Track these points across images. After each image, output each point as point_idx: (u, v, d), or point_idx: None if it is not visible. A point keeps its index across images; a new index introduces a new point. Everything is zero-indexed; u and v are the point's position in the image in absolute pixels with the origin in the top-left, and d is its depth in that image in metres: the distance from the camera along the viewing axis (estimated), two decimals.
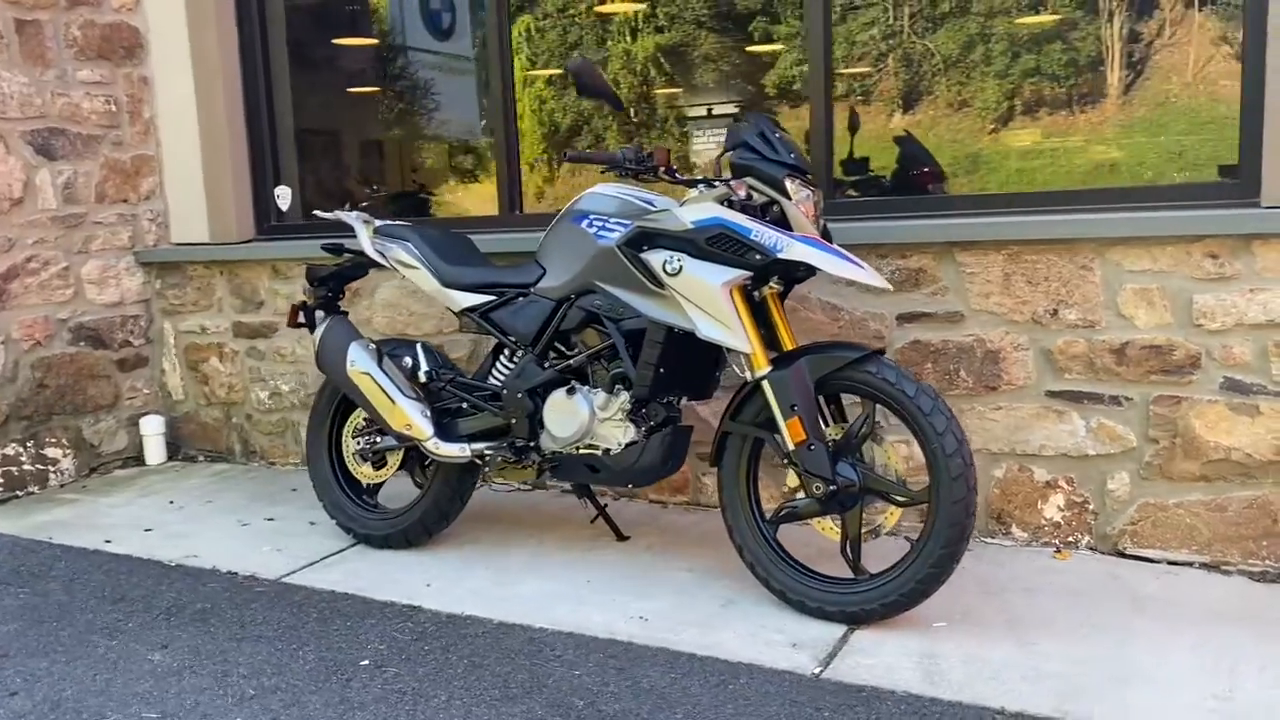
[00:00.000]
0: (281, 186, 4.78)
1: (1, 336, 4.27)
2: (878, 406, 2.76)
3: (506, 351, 3.29)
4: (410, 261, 3.32)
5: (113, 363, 4.71)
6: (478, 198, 4.68)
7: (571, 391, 3.06)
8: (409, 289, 4.21)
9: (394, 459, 3.50)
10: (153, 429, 4.79)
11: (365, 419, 3.51)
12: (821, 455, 2.71)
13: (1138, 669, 2.49)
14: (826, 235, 2.84)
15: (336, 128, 5.11)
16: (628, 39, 4.37)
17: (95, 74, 4.57)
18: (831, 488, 2.71)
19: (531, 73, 4.53)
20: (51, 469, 4.48)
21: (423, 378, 3.33)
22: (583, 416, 3.02)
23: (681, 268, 2.80)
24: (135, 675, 2.67)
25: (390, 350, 3.41)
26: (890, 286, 2.89)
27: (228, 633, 2.90)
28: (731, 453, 2.94)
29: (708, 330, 2.80)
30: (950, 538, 2.61)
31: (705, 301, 2.79)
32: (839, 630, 2.74)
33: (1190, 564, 3.10)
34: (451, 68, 4.91)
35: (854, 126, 3.87)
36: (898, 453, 2.93)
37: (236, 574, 3.35)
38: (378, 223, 3.48)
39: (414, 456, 3.47)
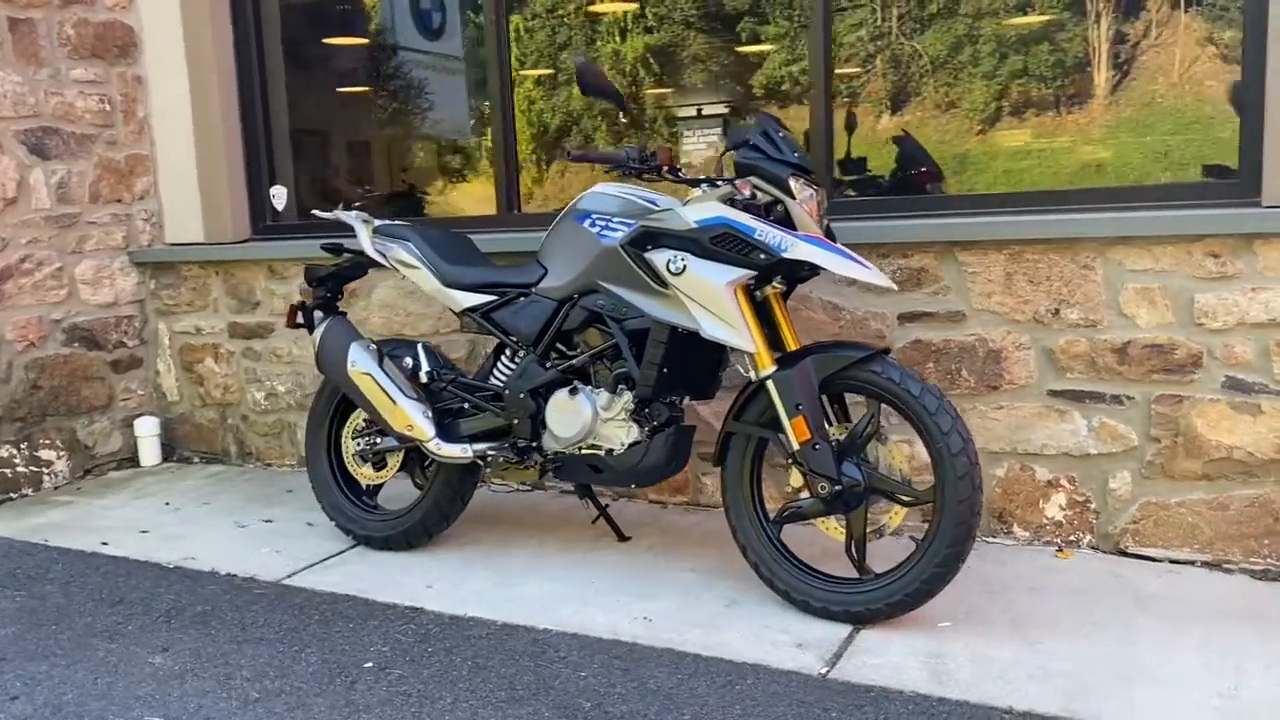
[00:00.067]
0: (277, 186, 4.75)
1: None
2: (882, 406, 2.76)
3: (508, 352, 3.28)
4: (411, 261, 3.31)
5: (107, 364, 4.68)
6: (473, 197, 4.67)
7: (574, 392, 3.05)
8: (406, 289, 4.19)
9: (394, 460, 3.48)
10: (147, 430, 4.76)
11: (365, 420, 3.49)
12: (827, 455, 2.70)
13: (1143, 668, 2.49)
14: (830, 235, 2.84)
15: (333, 127, 5.09)
16: (617, 39, 4.36)
17: (89, 73, 4.54)
18: (837, 487, 2.70)
19: (521, 73, 4.52)
20: (45, 471, 4.44)
21: (424, 378, 3.31)
22: (586, 417, 3.01)
23: (685, 267, 2.80)
24: (137, 678, 2.64)
25: (391, 351, 3.39)
26: (894, 286, 2.89)
27: (229, 635, 2.88)
28: (735, 453, 2.93)
29: (712, 330, 2.79)
30: (956, 537, 2.61)
31: (709, 301, 2.78)
32: (844, 630, 2.73)
33: (1192, 562, 3.11)
34: (444, 68, 4.89)
35: (850, 126, 3.87)
36: (901, 452, 2.93)
37: (236, 576, 3.33)
38: (377, 222, 3.46)
39: (414, 457, 3.46)
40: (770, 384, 2.77)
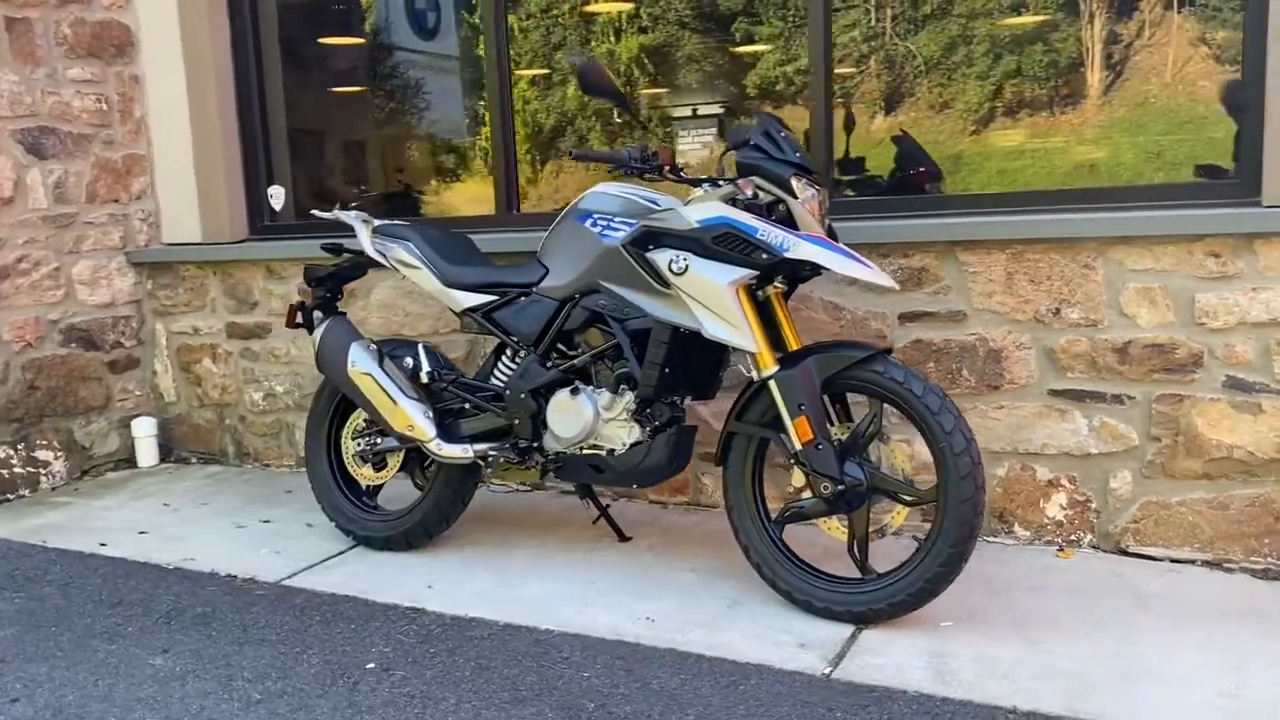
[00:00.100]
0: (275, 186, 4.74)
1: None
2: (884, 406, 2.76)
3: (509, 352, 3.27)
4: (411, 261, 3.30)
5: (104, 364, 4.66)
6: (469, 197, 4.66)
7: (576, 392, 3.04)
8: (405, 289, 4.18)
9: (394, 460, 3.48)
10: (144, 431, 4.74)
11: (365, 420, 3.48)
12: (829, 455, 2.70)
13: (1146, 667, 2.49)
14: (832, 234, 2.84)
15: (331, 127, 5.07)
16: (612, 39, 4.36)
17: (86, 72, 4.52)
18: (840, 487, 2.70)
19: (516, 73, 4.51)
20: (42, 471, 4.43)
21: (424, 378, 3.31)
22: (587, 417, 3.01)
23: (688, 267, 2.79)
24: (138, 680, 2.63)
25: (391, 351, 3.38)
26: (897, 285, 2.89)
27: (230, 636, 2.87)
28: (737, 453, 2.93)
29: (714, 330, 2.79)
30: (959, 536, 2.61)
31: (712, 301, 2.78)
32: (847, 630, 2.73)
33: (1193, 562, 3.11)
34: (440, 67, 4.89)
35: (849, 127, 3.87)
36: (903, 452, 2.93)
37: (236, 577, 3.32)
38: (377, 222, 3.45)
39: (414, 458, 3.45)
40: (772, 384, 2.77)
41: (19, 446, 4.34)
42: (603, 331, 3.07)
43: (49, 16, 4.39)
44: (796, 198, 2.73)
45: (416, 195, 4.87)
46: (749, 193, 2.78)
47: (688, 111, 4.33)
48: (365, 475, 3.55)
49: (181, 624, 2.97)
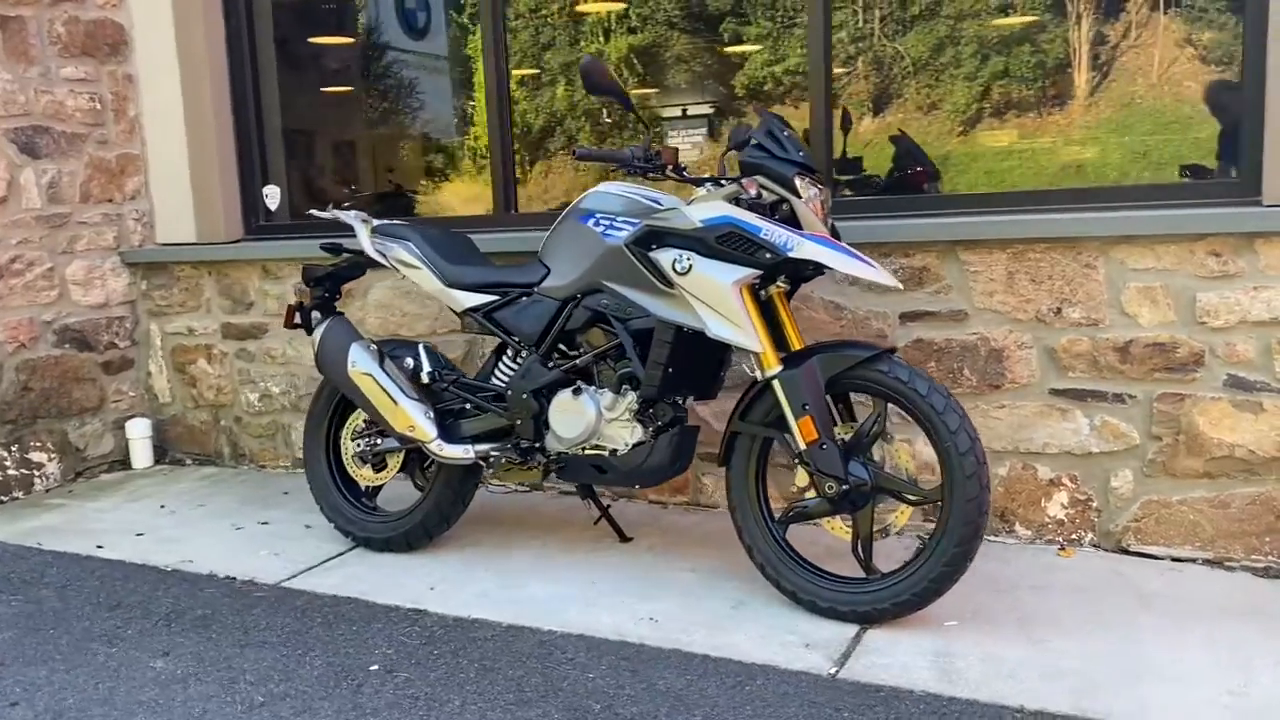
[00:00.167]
0: (270, 186, 4.71)
1: None
2: (888, 405, 2.75)
3: (510, 352, 3.26)
4: (412, 261, 3.28)
5: (98, 365, 4.63)
6: (466, 197, 4.65)
7: (578, 392, 3.03)
8: (402, 289, 4.16)
9: (394, 461, 3.46)
10: (139, 432, 4.71)
11: (365, 421, 3.46)
12: (834, 455, 2.70)
13: (1151, 665, 2.50)
14: (835, 234, 2.83)
15: (327, 127, 5.05)
16: (601, 40, 4.36)
17: (79, 71, 4.49)
18: (844, 487, 2.70)
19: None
20: (36, 473, 4.39)
21: (425, 379, 3.29)
22: (590, 417, 3.00)
23: (691, 266, 2.79)
24: (139, 683, 2.61)
25: (391, 351, 3.36)
26: (900, 285, 2.88)
27: (231, 639, 2.85)
28: (740, 453, 2.92)
29: (718, 329, 2.78)
30: (964, 536, 2.60)
31: (715, 300, 2.77)
32: (851, 630, 2.73)
33: (1194, 560, 3.12)
34: (435, 68, 4.87)
35: (846, 126, 3.87)
36: (907, 451, 2.92)
37: (235, 579, 3.30)
38: (376, 222, 3.43)
39: (415, 459, 3.44)
40: (776, 384, 2.77)
41: (13, 448, 4.31)
42: (605, 331, 3.06)
43: (42, 15, 4.36)
44: (800, 197, 2.73)
45: (410, 195, 4.86)
46: (753, 192, 2.77)
47: (677, 112, 4.33)
48: (365, 476, 3.53)
49: (181, 626, 2.95)
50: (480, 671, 2.60)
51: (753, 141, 2.82)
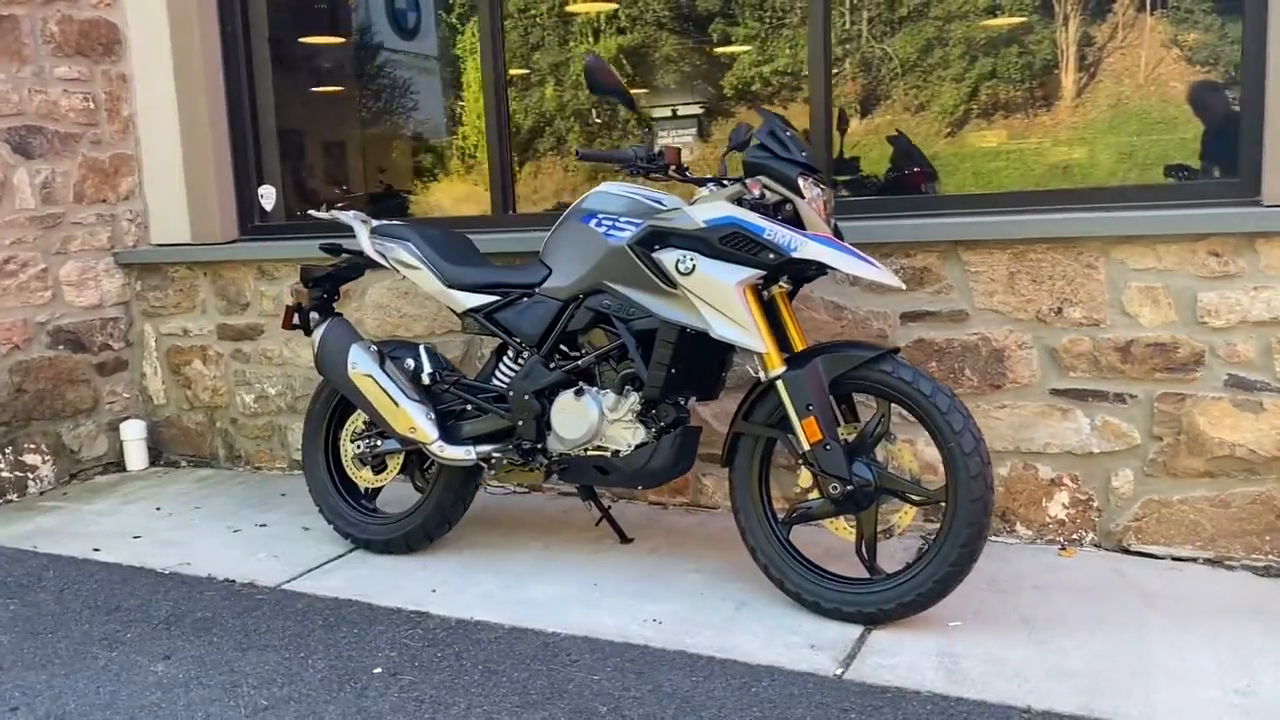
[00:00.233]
0: (265, 186, 4.69)
1: None
2: (891, 406, 2.75)
3: (511, 353, 3.25)
4: (412, 262, 3.27)
5: (92, 366, 4.60)
6: (455, 196, 4.63)
7: (580, 393, 3.02)
8: (400, 290, 4.15)
9: (394, 463, 3.44)
10: (133, 434, 4.68)
11: (365, 422, 3.45)
12: (838, 455, 2.70)
13: (1156, 665, 2.50)
14: (838, 234, 2.83)
15: (323, 127, 5.03)
16: (590, 40, 4.35)
17: (73, 71, 4.46)
18: (848, 488, 2.70)
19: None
20: (30, 476, 4.36)
21: (426, 380, 3.28)
22: (592, 418, 2.99)
23: (694, 267, 2.78)
24: (140, 687, 2.59)
25: (391, 352, 3.35)
26: (903, 285, 2.88)
27: (232, 642, 2.83)
28: (744, 454, 2.92)
29: (722, 330, 2.78)
30: (969, 536, 2.60)
31: (719, 301, 2.76)
32: (856, 631, 2.73)
33: (1194, 560, 3.12)
34: (429, 69, 4.86)
35: (843, 127, 3.87)
36: (910, 451, 2.92)
37: (234, 582, 3.28)
38: (375, 222, 3.42)
39: (415, 460, 3.42)
40: (780, 384, 2.76)
41: (6, 450, 4.28)
42: (607, 332, 3.05)
43: (36, 14, 4.33)
44: (804, 197, 2.73)
45: (403, 195, 4.84)
46: (756, 192, 2.77)
47: (668, 112, 4.32)
48: (364, 478, 3.51)
49: (181, 630, 2.93)
50: (485, 674, 2.59)
51: (755, 141, 2.81)
